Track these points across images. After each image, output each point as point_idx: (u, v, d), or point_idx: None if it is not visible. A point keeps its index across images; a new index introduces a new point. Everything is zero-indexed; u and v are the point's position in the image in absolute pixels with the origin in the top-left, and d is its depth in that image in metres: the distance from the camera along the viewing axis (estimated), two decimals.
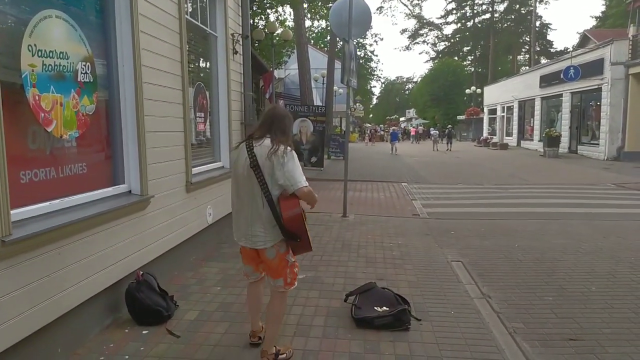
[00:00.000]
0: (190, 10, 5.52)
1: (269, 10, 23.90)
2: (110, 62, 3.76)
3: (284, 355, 3.04)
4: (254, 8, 21.45)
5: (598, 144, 20.78)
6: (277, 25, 20.63)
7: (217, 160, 6.24)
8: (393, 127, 43.07)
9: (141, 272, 3.72)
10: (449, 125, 41.27)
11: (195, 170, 5.24)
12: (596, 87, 20.63)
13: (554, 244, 6.14)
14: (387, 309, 3.62)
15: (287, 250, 2.92)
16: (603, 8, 47.20)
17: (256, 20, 24.14)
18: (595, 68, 20.55)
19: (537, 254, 5.66)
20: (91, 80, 3.44)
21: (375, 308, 3.64)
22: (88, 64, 3.41)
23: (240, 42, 6.57)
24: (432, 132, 36.40)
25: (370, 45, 59.48)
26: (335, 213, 7.99)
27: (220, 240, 5.94)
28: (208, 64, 6.14)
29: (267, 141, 2.81)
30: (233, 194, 2.98)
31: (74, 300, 3.08)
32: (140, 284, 3.63)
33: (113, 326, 3.52)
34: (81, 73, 3.32)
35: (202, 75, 6.02)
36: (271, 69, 18.32)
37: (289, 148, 2.80)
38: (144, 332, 3.42)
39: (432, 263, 5.24)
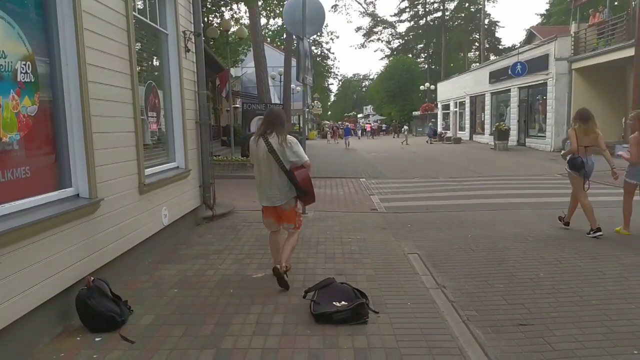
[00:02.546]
0: (138, 7, 5.37)
1: (223, 8, 23.57)
2: (53, 61, 3.61)
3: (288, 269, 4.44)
4: (208, 6, 21.10)
5: (545, 137, 21.72)
6: (232, 23, 20.40)
7: (172, 161, 6.11)
8: (346, 124, 44.97)
9: (92, 278, 3.59)
10: (405, 123, 44.87)
11: (148, 171, 5.11)
12: (542, 82, 21.54)
13: (505, 233, 6.38)
14: (346, 303, 3.66)
15: (296, 205, 4.46)
16: (547, 6, 49.32)
17: (210, 18, 23.74)
18: (540, 64, 21.45)
19: (489, 243, 5.87)
20: (32, 80, 3.29)
21: (334, 303, 3.67)
22: (28, 63, 3.26)
23: (193, 40, 6.45)
24: (404, 127, 38.90)
25: (327, 43, 59.81)
26: None
27: (177, 242, 5.82)
28: (159, 62, 6.00)
29: (274, 134, 4.18)
30: (256, 172, 4.37)
31: (18, 311, 2.94)
32: (92, 290, 3.51)
33: (64, 335, 3.39)
34: (21, 73, 3.17)
35: (153, 74, 5.88)
36: (227, 68, 18.09)
37: (291, 137, 4.28)
38: (96, 339, 3.31)
39: (390, 256, 5.34)
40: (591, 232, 6.04)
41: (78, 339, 3.32)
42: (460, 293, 4.19)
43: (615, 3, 26.47)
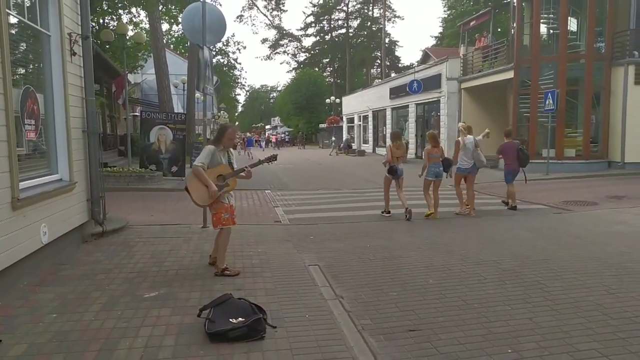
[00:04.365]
0: (14, 3, 4.88)
1: (121, 11, 22.38)
2: None
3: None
4: (104, 7, 19.90)
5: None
6: (131, 27, 19.42)
7: (54, 172, 5.61)
8: (249, 134, 46.35)
9: None
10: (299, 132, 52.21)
11: (24, 184, 4.63)
12: (436, 99, 23.15)
13: (401, 242, 6.69)
14: (243, 319, 3.57)
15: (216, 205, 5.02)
16: (441, 29, 53.21)
17: (107, 21, 22.41)
18: (434, 82, 23.07)
19: (385, 252, 6.10)
20: None
21: (230, 320, 3.56)
22: None
23: (80, 43, 6.00)
24: (332, 139, 39.94)
25: (234, 53, 59.03)
26: (195, 224, 7.71)
27: (59, 262, 5.32)
28: (40, 65, 5.49)
29: None
30: None
31: None
32: None
33: None
34: None
35: (32, 78, 5.37)
36: (124, 73, 17.13)
37: (209, 145, 5.06)
38: None
39: (290, 269, 5.33)
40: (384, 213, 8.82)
41: None
42: (357, 302, 4.28)
43: (499, 29, 29.33)
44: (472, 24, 24.69)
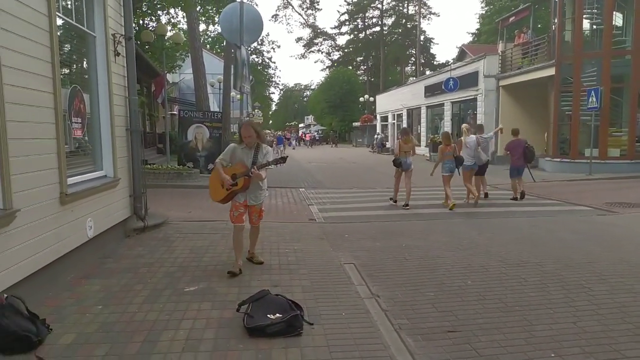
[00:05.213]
0: (64, 7, 5.09)
1: (160, 12, 22.93)
2: None
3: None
4: (144, 9, 20.45)
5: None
6: (169, 28, 19.89)
7: (99, 169, 5.81)
8: (278, 133, 47.44)
9: (5, 295, 3.32)
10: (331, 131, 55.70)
11: (72, 180, 4.82)
12: (472, 97, 22.69)
13: (437, 242, 6.60)
14: (280, 315, 3.61)
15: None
16: (478, 25, 52.15)
17: (146, 22, 23.00)
18: (471, 80, 22.60)
19: (421, 252, 6.03)
20: None
21: (268, 316, 3.61)
22: None
23: (123, 44, 6.19)
24: (376, 136, 38.67)
25: (268, 52, 59.69)
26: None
27: (104, 255, 5.52)
28: (86, 66, 5.71)
29: None
30: None
31: None
32: (4, 308, 3.24)
33: None
34: None
35: (79, 77, 5.59)
36: (163, 73, 17.56)
37: (232, 144, 5.16)
38: None
39: (326, 267, 5.35)
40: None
41: None
42: (393, 302, 4.26)
43: (539, 25, 28.48)
44: (511, 19, 24.05)
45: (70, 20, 5.15)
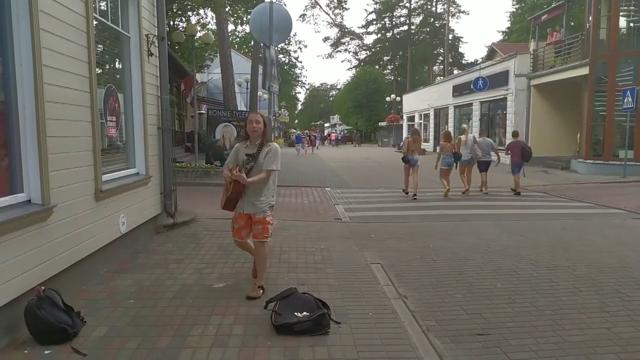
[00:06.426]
0: (100, 8, 5.23)
1: (190, 13, 23.28)
2: (6, 61, 3.47)
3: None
4: (174, 9, 20.80)
5: (504, 150, 22.38)
6: (198, 28, 20.19)
7: (132, 167, 5.95)
8: (298, 132, 48.97)
9: (42, 288, 3.43)
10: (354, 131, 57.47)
11: (106, 177, 4.95)
12: (502, 96, 22.26)
13: (465, 243, 6.51)
14: (307, 314, 3.63)
15: None
16: (508, 23, 51.16)
17: (176, 22, 23.39)
18: (501, 79, 22.18)
19: (449, 253, 5.96)
20: None
21: (296, 314, 3.63)
22: None
23: (156, 44, 6.32)
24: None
25: (295, 52, 59.76)
26: None
27: (135, 251, 5.65)
28: (120, 65, 5.85)
29: None
30: None
31: None
32: (42, 301, 3.35)
33: (10, 348, 3.21)
34: None
35: (114, 77, 5.73)
36: (192, 73, 17.84)
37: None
38: (46, 352, 3.16)
39: (353, 266, 5.34)
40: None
41: (26, 352, 3.16)
42: (421, 303, 4.23)
43: (572, 23, 27.75)
44: (543, 18, 23.50)
45: (106, 21, 5.28)
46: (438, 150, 11.60)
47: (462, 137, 11.62)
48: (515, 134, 12.58)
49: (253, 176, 4.19)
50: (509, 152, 12.12)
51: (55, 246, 3.85)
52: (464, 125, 12.33)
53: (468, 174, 11.71)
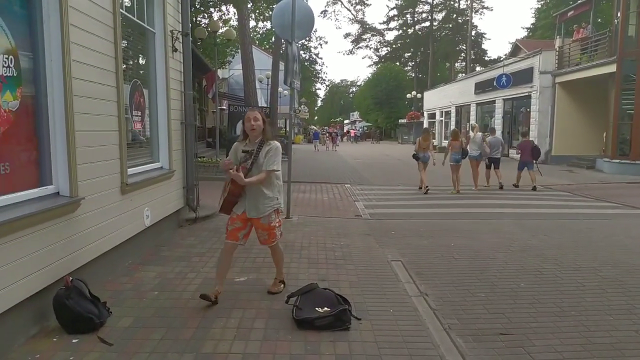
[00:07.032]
0: (126, 4, 5.31)
1: (212, 9, 23.45)
2: (36, 56, 3.54)
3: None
4: (197, 6, 20.97)
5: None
6: (220, 24, 20.32)
7: (156, 161, 6.04)
8: (315, 129, 49.10)
9: (70, 278, 3.52)
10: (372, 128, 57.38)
11: (131, 170, 5.04)
12: (526, 94, 21.88)
13: (487, 242, 6.43)
14: (328, 309, 3.64)
15: None
16: (533, 20, 50.18)
17: (199, 19, 23.59)
18: (525, 76, 21.79)
19: (471, 252, 5.90)
20: (14, 75, 3.23)
21: (317, 309, 3.65)
22: (11, 57, 3.19)
23: (180, 40, 6.39)
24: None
25: (315, 48, 59.80)
26: None
27: (159, 243, 5.74)
28: (145, 61, 5.94)
29: None
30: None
31: None
32: (70, 291, 3.43)
33: (40, 335, 3.31)
34: (2, 67, 3.10)
35: (139, 72, 5.81)
36: (214, 69, 17.99)
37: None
38: (73, 340, 3.24)
39: (373, 263, 5.34)
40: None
41: (54, 340, 3.25)
42: (443, 301, 4.20)
43: (599, 20, 27.09)
44: (570, 14, 22.98)
45: (132, 17, 5.36)
46: (446, 147, 12.44)
47: (471, 133, 12.55)
48: (524, 134, 14.22)
49: (253, 176, 3.85)
50: (520, 150, 12.84)
51: (83, 238, 3.94)
52: (474, 123, 13.39)
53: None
